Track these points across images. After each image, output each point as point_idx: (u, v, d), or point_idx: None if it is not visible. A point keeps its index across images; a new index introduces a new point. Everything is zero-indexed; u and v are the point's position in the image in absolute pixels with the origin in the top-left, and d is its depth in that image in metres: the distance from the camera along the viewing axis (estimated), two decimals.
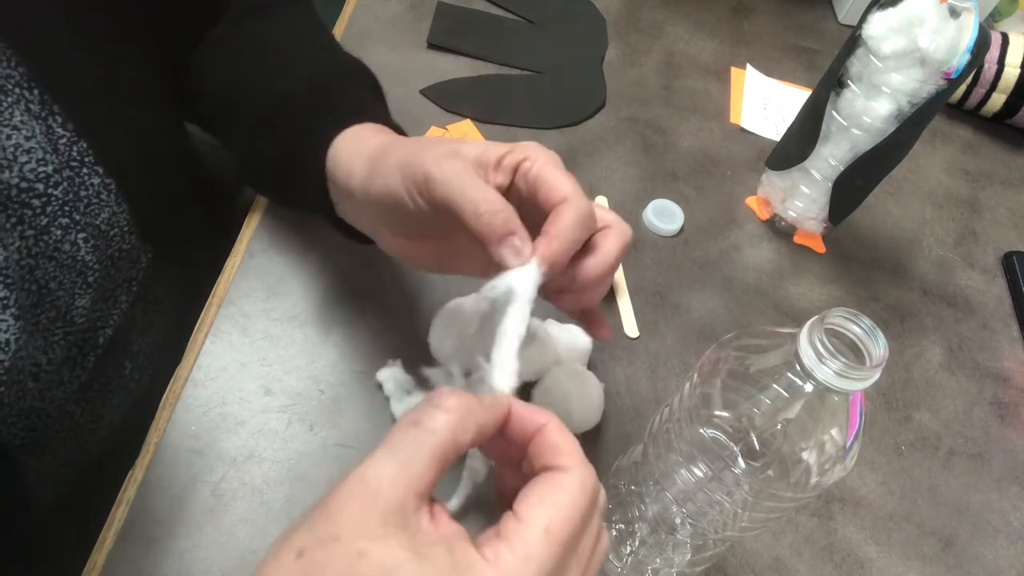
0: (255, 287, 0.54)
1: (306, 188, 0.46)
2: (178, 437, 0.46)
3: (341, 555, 0.24)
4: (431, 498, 0.27)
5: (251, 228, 0.57)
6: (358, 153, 0.42)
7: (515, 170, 0.37)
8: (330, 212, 0.46)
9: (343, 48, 0.53)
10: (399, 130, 0.46)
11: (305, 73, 0.49)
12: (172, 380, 0.49)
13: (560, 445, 0.29)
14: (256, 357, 0.50)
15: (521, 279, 0.35)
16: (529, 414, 0.31)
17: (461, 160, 0.36)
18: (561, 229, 0.35)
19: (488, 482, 0.46)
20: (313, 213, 0.48)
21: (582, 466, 0.29)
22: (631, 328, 0.58)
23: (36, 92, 0.42)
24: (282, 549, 0.25)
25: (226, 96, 0.52)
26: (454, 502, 0.44)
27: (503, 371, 0.34)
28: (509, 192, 0.38)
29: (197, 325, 0.51)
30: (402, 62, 0.72)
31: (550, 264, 0.36)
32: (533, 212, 0.37)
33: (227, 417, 0.48)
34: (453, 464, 0.28)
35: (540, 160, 0.37)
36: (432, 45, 0.75)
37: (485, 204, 0.35)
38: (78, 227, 0.45)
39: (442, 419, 0.28)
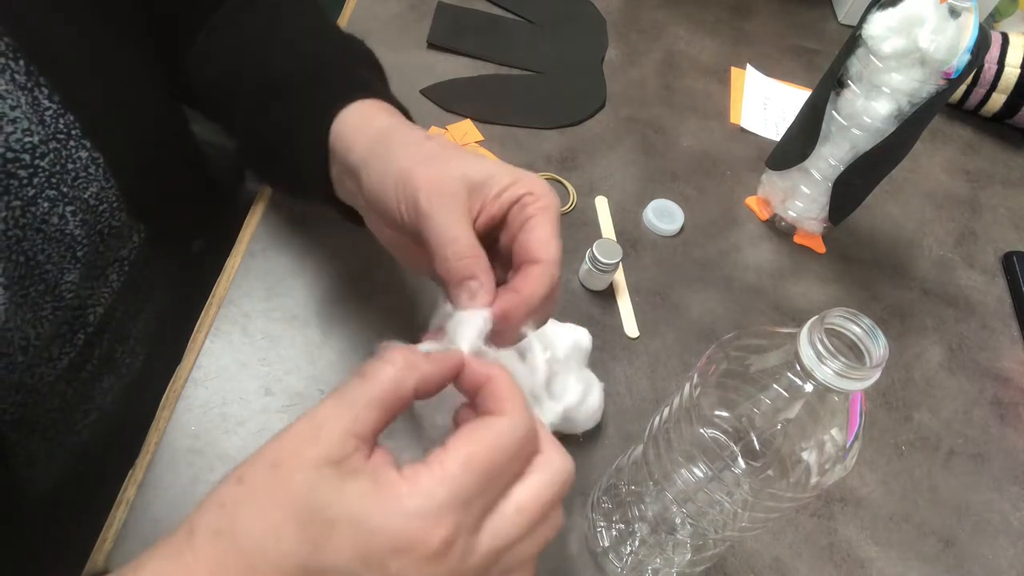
0: (255, 287, 0.54)
1: (307, 162, 0.45)
2: (178, 437, 0.46)
3: (277, 479, 0.27)
4: (375, 443, 0.29)
5: (251, 228, 0.57)
6: (361, 131, 0.42)
7: (514, 202, 0.38)
8: (327, 188, 0.45)
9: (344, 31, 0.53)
10: (404, 110, 0.46)
11: (309, 51, 0.48)
12: (172, 380, 0.49)
13: (502, 393, 0.31)
14: (256, 357, 0.50)
15: (469, 324, 0.36)
16: (480, 367, 0.32)
17: (454, 192, 0.37)
18: (528, 294, 0.36)
19: None
20: (310, 193, 0.47)
21: (518, 412, 0.30)
22: (631, 328, 0.58)
23: (22, 63, 0.42)
24: (227, 477, 0.28)
25: (228, 77, 0.51)
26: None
27: (464, 335, 0.35)
28: (503, 220, 0.39)
29: (197, 325, 0.51)
30: (402, 62, 0.72)
31: (503, 319, 0.36)
32: (507, 242, 0.38)
33: (227, 417, 0.48)
34: (402, 412, 0.30)
35: (540, 203, 0.37)
36: (432, 45, 0.75)
37: (452, 250, 0.36)
38: (66, 200, 0.44)
39: (384, 369, 0.30)
